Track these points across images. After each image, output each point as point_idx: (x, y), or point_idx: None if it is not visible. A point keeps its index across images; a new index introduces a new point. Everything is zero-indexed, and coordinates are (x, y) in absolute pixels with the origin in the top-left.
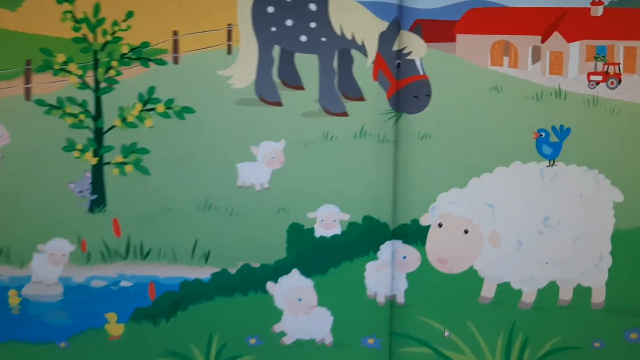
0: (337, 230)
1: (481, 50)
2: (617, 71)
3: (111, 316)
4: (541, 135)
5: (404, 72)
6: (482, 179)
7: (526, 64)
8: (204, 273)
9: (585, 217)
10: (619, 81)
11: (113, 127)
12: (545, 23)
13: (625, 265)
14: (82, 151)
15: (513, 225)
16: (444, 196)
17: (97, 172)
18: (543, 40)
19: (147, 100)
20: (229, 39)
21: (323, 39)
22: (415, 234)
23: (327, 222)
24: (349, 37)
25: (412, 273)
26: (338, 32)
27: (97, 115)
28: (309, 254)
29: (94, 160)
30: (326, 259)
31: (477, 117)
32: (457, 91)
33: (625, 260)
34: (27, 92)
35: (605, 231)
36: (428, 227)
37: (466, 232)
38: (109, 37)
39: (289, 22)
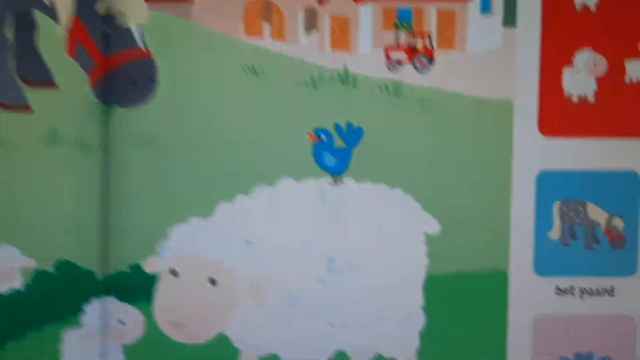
0: (16, 283)
1: (230, 14)
2: (429, 46)
3: None
4: (320, 138)
5: (115, 46)
6: (236, 204)
7: (296, 35)
8: None
9: (385, 258)
10: (431, 60)
11: None
12: None
13: (443, 325)
14: None
15: (282, 272)
16: (180, 230)
17: None
18: (321, 1)
19: None
20: None
21: None
22: (136, 287)
23: (2, 271)
24: None
25: (133, 345)
26: None
27: None
28: None
29: None
30: (1, 326)
31: (226, 113)
32: (195, 74)
33: (443, 319)
34: None
35: (415, 277)
36: (156, 275)
37: (213, 282)
38: None
39: None
